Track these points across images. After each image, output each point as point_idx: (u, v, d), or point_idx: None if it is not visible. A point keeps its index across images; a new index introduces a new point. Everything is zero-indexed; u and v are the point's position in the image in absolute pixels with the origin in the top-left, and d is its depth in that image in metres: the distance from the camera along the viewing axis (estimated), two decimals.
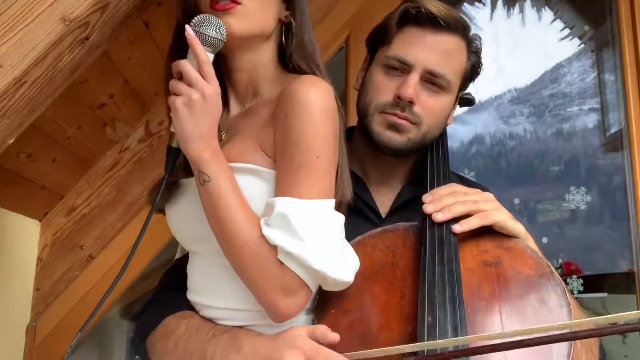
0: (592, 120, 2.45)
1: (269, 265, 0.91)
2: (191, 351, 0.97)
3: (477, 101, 2.63)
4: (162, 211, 1.09)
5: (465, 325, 0.92)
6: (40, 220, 1.84)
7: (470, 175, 2.16)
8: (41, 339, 1.80)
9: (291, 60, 1.05)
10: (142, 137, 1.88)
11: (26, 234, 1.79)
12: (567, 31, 2.55)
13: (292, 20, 1.05)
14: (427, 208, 1.08)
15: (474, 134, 2.57)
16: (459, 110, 2.61)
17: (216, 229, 0.94)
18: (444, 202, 1.08)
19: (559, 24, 2.55)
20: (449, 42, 1.20)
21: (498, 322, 0.95)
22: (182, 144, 0.93)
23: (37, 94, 1.03)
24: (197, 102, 0.90)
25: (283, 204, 0.91)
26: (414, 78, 1.17)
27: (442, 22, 1.18)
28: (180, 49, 0.98)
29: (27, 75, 0.98)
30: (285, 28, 1.06)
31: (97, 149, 1.83)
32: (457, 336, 0.91)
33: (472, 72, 1.27)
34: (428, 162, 1.23)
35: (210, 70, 0.92)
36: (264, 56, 1.05)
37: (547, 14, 2.56)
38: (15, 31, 0.96)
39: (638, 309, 2.05)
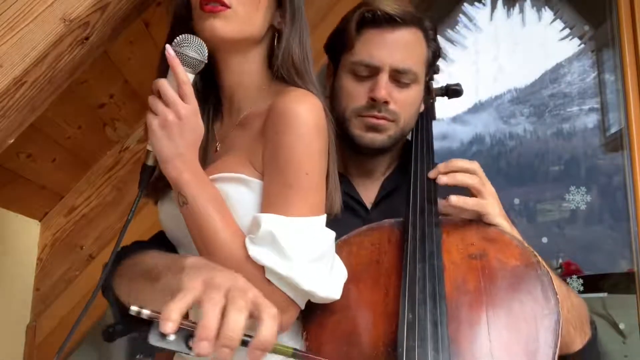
0: (592, 120, 2.46)
1: (256, 284, 0.87)
2: (159, 263, 0.93)
3: (477, 101, 2.64)
4: (156, 202, 1.08)
5: (446, 321, 0.92)
6: (40, 220, 1.84)
7: None
8: (41, 339, 1.80)
9: (278, 68, 1.03)
10: (142, 137, 1.88)
11: (26, 234, 1.79)
12: (567, 31, 2.55)
13: (283, 27, 1.04)
14: (440, 172, 1.13)
15: (474, 134, 2.58)
16: (459, 110, 2.62)
17: (200, 249, 0.94)
18: (454, 166, 1.12)
19: (559, 24, 2.56)
20: (408, 36, 1.23)
21: (483, 315, 0.94)
22: (161, 165, 0.93)
23: (37, 94, 1.03)
24: (172, 124, 0.90)
25: (270, 221, 0.89)
26: (383, 78, 1.19)
27: (398, 19, 1.21)
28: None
29: (27, 75, 0.98)
30: (278, 35, 1.05)
31: (97, 149, 1.83)
32: (437, 332, 0.91)
33: (434, 58, 1.31)
34: (413, 153, 1.24)
35: (188, 90, 0.92)
36: (253, 61, 1.04)
37: (547, 14, 2.56)
38: (15, 31, 0.96)
39: (638, 309, 2.05)
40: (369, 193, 1.28)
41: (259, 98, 1.04)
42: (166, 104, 0.91)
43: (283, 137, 0.93)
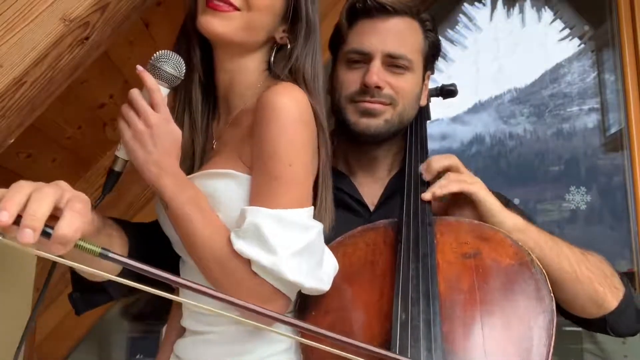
0: (592, 120, 2.45)
1: (242, 278, 0.90)
2: None
3: (477, 101, 2.64)
4: None
5: (439, 321, 0.92)
6: None
7: None
8: (41, 339, 1.80)
9: (279, 74, 1.04)
10: None
11: None
12: (567, 31, 2.55)
13: (287, 43, 1.05)
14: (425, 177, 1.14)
15: (474, 134, 2.57)
16: (459, 110, 2.62)
17: (187, 248, 0.95)
18: (434, 170, 1.14)
19: (559, 24, 2.55)
20: (401, 24, 1.23)
21: (477, 314, 0.94)
22: (140, 173, 0.95)
23: (37, 94, 1.03)
24: (142, 132, 0.93)
25: (254, 213, 0.90)
26: (376, 64, 1.20)
27: (389, 8, 1.22)
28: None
29: (27, 75, 0.98)
30: (278, 47, 1.06)
31: (97, 149, 1.83)
32: (430, 331, 0.91)
33: (434, 49, 1.30)
34: (407, 153, 1.24)
35: (159, 99, 0.94)
36: (248, 64, 1.05)
37: (547, 14, 2.56)
38: (15, 31, 0.96)
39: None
40: (371, 193, 1.27)
41: (251, 96, 1.04)
42: (137, 113, 0.94)
43: (266, 129, 0.93)
